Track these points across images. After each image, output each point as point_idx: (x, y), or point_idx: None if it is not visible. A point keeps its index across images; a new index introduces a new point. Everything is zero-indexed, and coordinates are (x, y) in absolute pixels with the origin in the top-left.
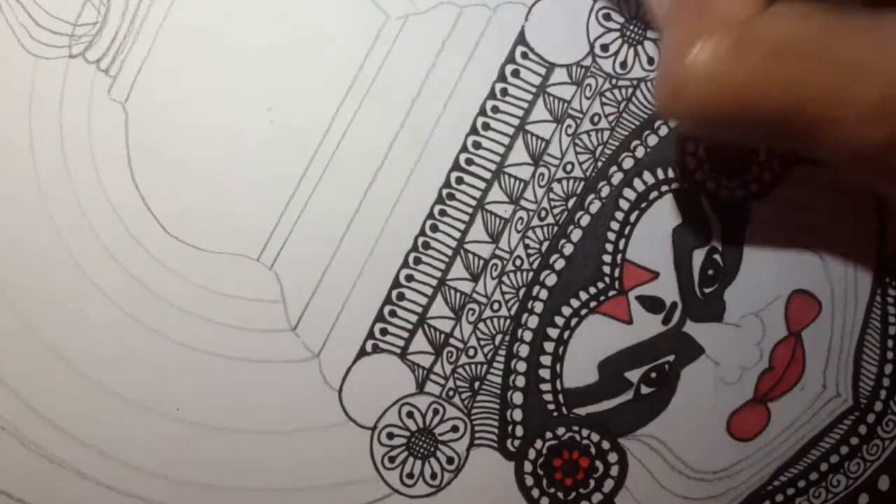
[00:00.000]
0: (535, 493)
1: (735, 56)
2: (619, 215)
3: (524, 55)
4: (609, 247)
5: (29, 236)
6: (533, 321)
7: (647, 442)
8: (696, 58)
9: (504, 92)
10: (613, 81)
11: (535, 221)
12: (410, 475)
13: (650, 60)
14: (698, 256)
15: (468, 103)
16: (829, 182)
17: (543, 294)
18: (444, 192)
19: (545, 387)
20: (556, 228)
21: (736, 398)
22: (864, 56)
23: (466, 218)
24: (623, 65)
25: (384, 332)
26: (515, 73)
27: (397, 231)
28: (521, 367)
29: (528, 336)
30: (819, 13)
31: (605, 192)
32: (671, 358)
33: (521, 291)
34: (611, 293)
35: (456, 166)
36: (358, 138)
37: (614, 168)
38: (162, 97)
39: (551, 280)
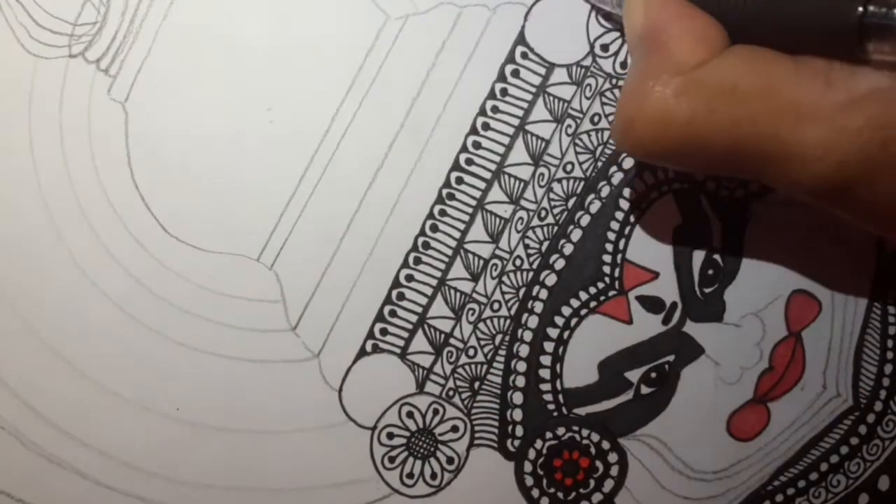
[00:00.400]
0: (535, 493)
1: (681, 97)
2: (619, 215)
3: (524, 55)
4: (609, 247)
5: (29, 236)
6: (533, 321)
7: (647, 442)
8: (644, 96)
9: (504, 92)
10: (613, 81)
11: (535, 221)
12: (410, 475)
13: None
14: (698, 256)
15: (468, 103)
16: None
17: (543, 294)
18: (444, 192)
19: (545, 387)
20: (556, 228)
21: (736, 398)
22: (809, 99)
23: (466, 218)
24: (623, 65)
25: (384, 332)
26: (515, 73)
27: (397, 231)
28: (521, 367)
29: (528, 336)
30: (769, 56)
31: (606, 192)
32: (671, 358)
33: (521, 291)
34: (611, 293)
35: (456, 166)
36: (358, 138)
37: (614, 168)
38: (162, 97)
39: (551, 280)
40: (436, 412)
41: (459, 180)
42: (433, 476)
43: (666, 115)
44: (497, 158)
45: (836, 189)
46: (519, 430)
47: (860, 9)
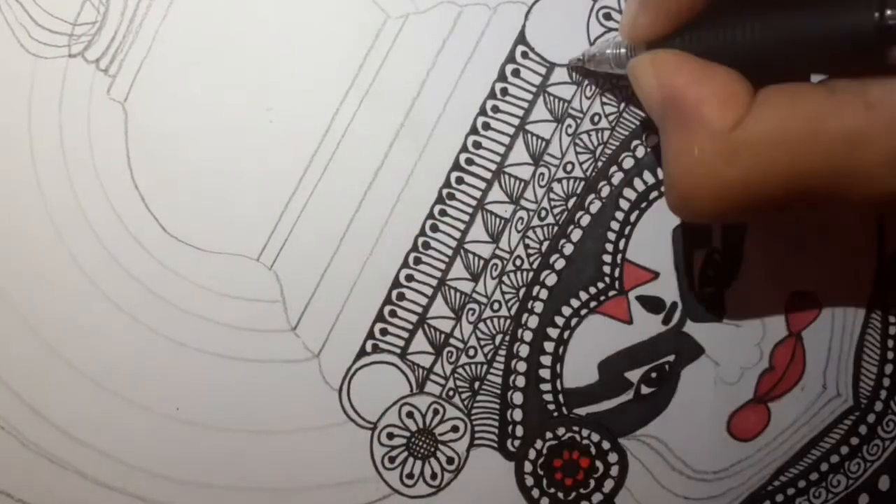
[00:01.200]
0: (535, 493)
1: (731, 161)
2: (620, 215)
3: (524, 55)
4: (609, 247)
5: (29, 236)
6: (533, 321)
7: (648, 442)
8: (695, 170)
9: (504, 91)
10: (614, 81)
11: (536, 221)
12: (410, 475)
13: None
14: (698, 256)
15: (468, 103)
16: None
17: (543, 294)
18: (445, 191)
19: (545, 387)
20: (556, 228)
21: (736, 398)
22: (855, 127)
23: (466, 218)
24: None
25: (384, 332)
26: (516, 73)
27: (397, 231)
28: (522, 367)
29: (528, 336)
30: (803, 93)
31: (606, 191)
32: (671, 358)
33: (522, 291)
34: (611, 293)
35: (456, 166)
36: (358, 138)
37: (614, 168)
38: (162, 97)
39: (551, 280)
40: (436, 412)
41: (459, 180)
42: (433, 476)
43: (721, 184)
44: (497, 158)
45: None
46: (519, 430)
47: (877, 13)
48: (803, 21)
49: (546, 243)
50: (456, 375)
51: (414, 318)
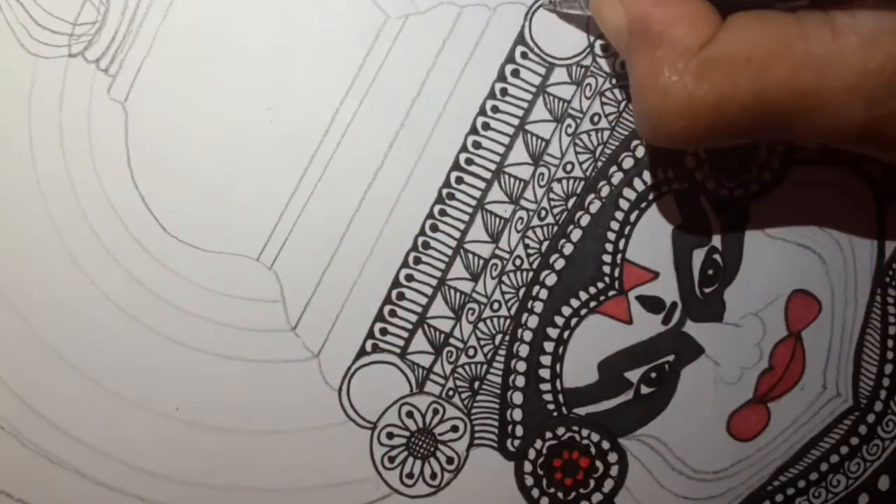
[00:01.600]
0: (535, 493)
1: (701, 79)
2: (619, 215)
3: (524, 55)
4: (609, 247)
5: (29, 236)
6: (533, 321)
7: (647, 442)
8: (665, 89)
9: (504, 92)
10: (613, 81)
11: (535, 221)
12: (410, 475)
13: None
14: (698, 256)
15: (468, 103)
16: (827, 182)
17: (543, 294)
18: (444, 191)
19: (545, 387)
20: (555, 228)
21: (736, 398)
22: (823, 50)
23: (466, 218)
24: (623, 64)
25: (384, 331)
26: (515, 73)
27: (397, 231)
28: (521, 366)
29: (527, 336)
30: (772, 18)
31: (605, 191)
32: (671, 358)
33: (521, 291)
34: (611, 293)
35: (456, 166)
36: (358, 138)
37: (614, 168)
38: (162, 97)
39: (551, 280)
40: (436, 412)
41: (459, 180)
42: (433, 476)
43: (692, 102)
44: (497, 158)
45: (869, 130)
46: (519, 430)
47: None
48: None
49: (546, 243)
50: (456, 375)
51: (414, 318)
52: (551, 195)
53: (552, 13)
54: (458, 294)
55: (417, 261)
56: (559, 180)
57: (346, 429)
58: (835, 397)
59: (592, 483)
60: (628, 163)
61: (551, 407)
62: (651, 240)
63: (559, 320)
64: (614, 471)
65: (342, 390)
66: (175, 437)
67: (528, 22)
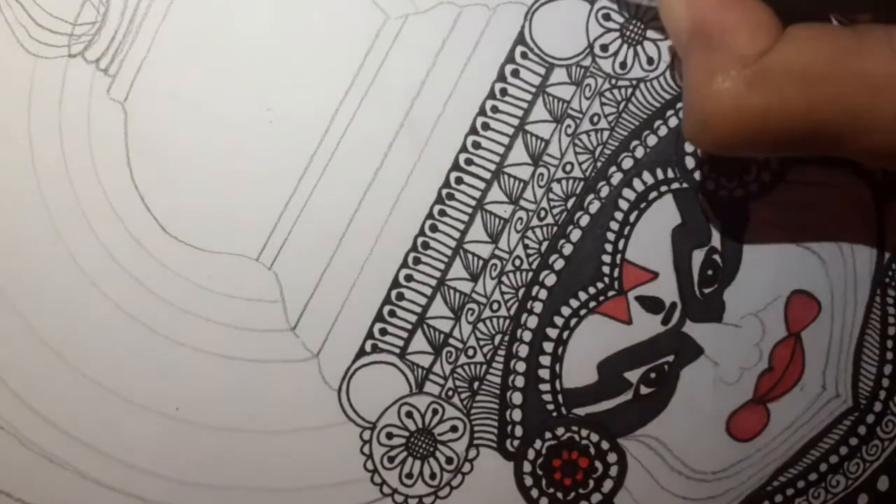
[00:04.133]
0: (535, 493)
1: (753, 88)
2: (619, 215)
3: (524, 55)
4: (608, 247)
5: (29, 236)
6: (532, 321)
7: (647, 442)
8: (717, 94)
9: (504, 92)
10: (613, 81)
11: (535, 221)
12: (409, 475)
13: (650, 61)
14: (698, 256)
15: (468, 103)
16: (827, 182)
17: (543, 294)
18: (444, 192)
19: (544, 387)
20: (555, 228)
21: (735, 398)
22: (879, 69)
23: (466, 218)
24: (623, 65)
25: (383, 332)
26: (515, 73)
27: (397, 231)
28: (521, 367)
29: (527, 336)
30: (830, 34)
31: (605, 192)
32: (670, 358)
33: (521, 291)
34: (610, 293)
35: (455, 166)
36: (357, 138)
37: (614, 168)
38: (161, 97)
39: (551, 280)
40: (435, 412)
41: (459, 180)
42: (432, 476)
43: (741, 109)
44: (497, 158)
45: None
46: (518, 431)
47: None
48: None
49: (545, 243)
50: (455, 375)
51: (413, 318)
52: (551, 195)
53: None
54: (457, 294)
55: (417, 261)
56: (559, 181)
57: (345, 429)
58: (834, 398)
59: (592, 483)
60: (627, 163)
61: (551, 407)
62: (650, 240)
63: (559, 321)
64: (614, 471)
65: (342, 390)
66: (175, 437)
67: (528, 22)
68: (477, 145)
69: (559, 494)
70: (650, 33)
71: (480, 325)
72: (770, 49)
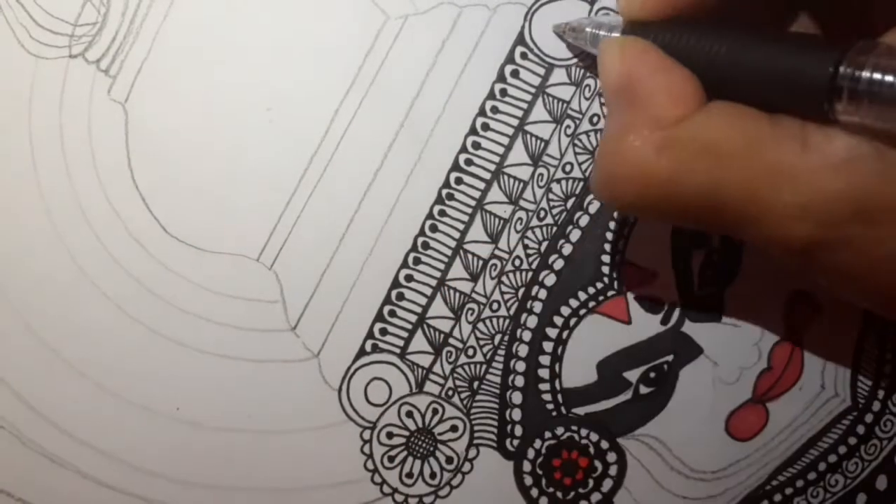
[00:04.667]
0: (535, 492)
1: (662, 153)
2: (618, 215)
3: (524, 55)
4: (608, 247)
5: (29, 236)
6: (532, 321)
7: (646, 441)
8: (625, 150)
9: (503, 92)
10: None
11: (535, 222)
12: (410, 475)
13: None
14: (697, 256)
15: (468, 103)
16: None
17: (542, 294)
18: (444, 192)
19: (544, 386)
20: (555, 229)
21: (734, 398)
22: (787, 161)
23: (466, 218)
24: None
25: (384, 331)
26: (515, 74)
27: (397, 231)
28: (521, 366)
29: (527, 336)
30: (748, 115)
31: None
32: (670, 358)
33: (521, 291)
34: (610, 293)
35: (455, 166)
36: (357, 138)
37: None
38: (162, 97)
39: (550, 280)
40: (435, 412)
41: (459, 180)
42: (432, 475)
43: (646, 172)
44: (496, 159)
45: (811, 251)
46: (518, 430)
47: (830, 69)
48: (765, 57)
49: (545, 243)
50: (455, 375)
51: (413, 318)
52: (550, 196)
53: (559, 38)
54: (457, 294)
55: (417, 261)
56: (558, 181)
57: (345, 428)
58: (833, 397)
59: (591, 483)
60: None
61: (550, 407)
62: (650, 240)
63: (558, 320)
64: (613, 470)
65: (342, 390)
66: (175, 437)
67: (527, 22)
68: (477, 145)
69: (559, 494)
70: None
71: (480, 325)
72: (688, 118)
